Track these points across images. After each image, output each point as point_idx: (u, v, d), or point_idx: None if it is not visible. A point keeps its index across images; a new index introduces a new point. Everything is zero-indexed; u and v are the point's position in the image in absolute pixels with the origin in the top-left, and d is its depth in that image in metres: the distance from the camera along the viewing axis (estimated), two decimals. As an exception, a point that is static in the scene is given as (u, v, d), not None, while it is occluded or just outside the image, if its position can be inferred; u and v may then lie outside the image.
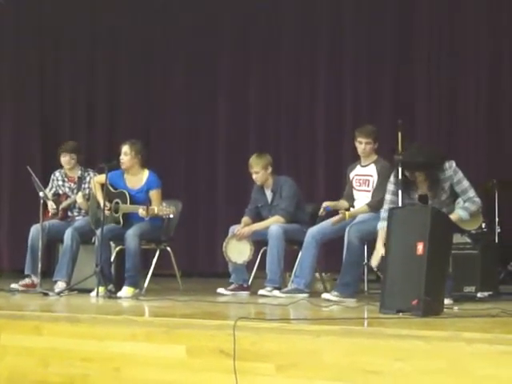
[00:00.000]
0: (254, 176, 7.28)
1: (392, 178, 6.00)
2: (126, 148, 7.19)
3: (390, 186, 6.01)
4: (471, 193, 5.91)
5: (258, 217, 7.36)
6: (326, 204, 6.90)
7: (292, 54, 9.91)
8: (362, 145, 6.78)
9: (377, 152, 6.84)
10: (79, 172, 7.70)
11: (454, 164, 5.92)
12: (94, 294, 6.70)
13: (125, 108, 10.54)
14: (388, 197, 6.02)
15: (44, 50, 10.34)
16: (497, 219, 7.97)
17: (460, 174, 5.91)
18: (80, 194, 7.50)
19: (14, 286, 7.27)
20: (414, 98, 9.29)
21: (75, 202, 7.55)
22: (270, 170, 7.27)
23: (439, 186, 5.89)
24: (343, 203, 6.94)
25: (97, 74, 10.57)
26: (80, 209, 7.60)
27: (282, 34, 9.97)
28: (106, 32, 10.54)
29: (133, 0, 10.45)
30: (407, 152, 5.89)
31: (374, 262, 5.91)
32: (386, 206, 5.98)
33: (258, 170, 7.23)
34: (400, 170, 5.84)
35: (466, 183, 5.92)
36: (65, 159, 7.67)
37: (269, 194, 7.32)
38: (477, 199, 5.92)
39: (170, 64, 10.53)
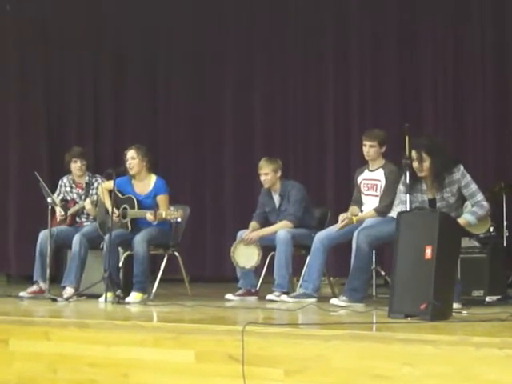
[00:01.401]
0: (263, 178, 7.25)
1: (401, 185, 6.01)
2: (132, 153, 7.19)
3: (400, 188, 6.05)
4: (479, 196, 5.89)
5: (265, 221, 7.35)
6: (342, 217, 6.68)
7: (298, 57, 9.90)
8: (365, 148, 6.77)
9: (385, 157, 6.83)
10: (87, 178, 7.69)
11: (461, 167, 5.90)
12: (102, 299, 6.70)
13: (131, 113, 10.54)
14: (400, 192, 6.03)
15: (49, 54, 10.37)
16: (505, 223, 7.93)
17: (468, 178, 5.89)
18: (88, 200, 7.50)
19: (22, 294, 7.25)
20: (420, 101, 9.28)
21: (83, 207, 7.55)
22: (279, 173, 7.25)
23: (444, 176, 5.86)
24: (355, 209, 6.86)
25: (102, 77, 10.59)
26: (88, 215, 7.59)
27: (288, 35, 9.97)
28: (111, 35, 10.57)
29: (137, 3, 10.47)
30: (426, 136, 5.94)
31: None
32: (397, 202, 6.04)
33: (268, 171, 7.20)
34: (408, 173, 5.84)
35: (474, 187, 5.90)
36: (76, 165, 7.66)
37: (276, 198, 7.30)
38: (485, 203, 5.90)
39: (175, 68, 10.54)
